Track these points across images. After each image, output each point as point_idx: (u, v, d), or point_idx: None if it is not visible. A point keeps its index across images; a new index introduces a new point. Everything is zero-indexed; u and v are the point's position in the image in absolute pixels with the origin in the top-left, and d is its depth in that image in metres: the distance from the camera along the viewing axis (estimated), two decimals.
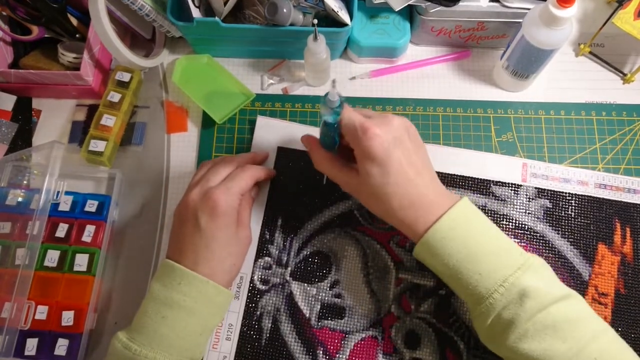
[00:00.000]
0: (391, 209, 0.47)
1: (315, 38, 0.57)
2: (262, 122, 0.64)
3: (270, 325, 0.56)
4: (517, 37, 0.58)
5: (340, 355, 0.55)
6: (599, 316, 0.46)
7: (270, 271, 0.58)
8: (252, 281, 0.57)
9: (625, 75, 0.67)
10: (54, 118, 0.66)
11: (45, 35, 0.65)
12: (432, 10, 0.62)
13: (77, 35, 0.65)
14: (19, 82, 0.63)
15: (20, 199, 0.59)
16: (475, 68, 0.68)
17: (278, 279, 0.57)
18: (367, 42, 0.64)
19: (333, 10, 0.59)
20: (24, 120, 0.65)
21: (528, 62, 0.59)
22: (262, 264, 0.58)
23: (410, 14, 0.66)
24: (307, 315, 0.56)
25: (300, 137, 0.55)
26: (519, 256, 0.46)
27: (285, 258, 0.58)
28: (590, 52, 0.68)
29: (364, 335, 0.55)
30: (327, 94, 0.45)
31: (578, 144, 0.63)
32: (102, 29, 0.58)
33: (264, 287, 0.57)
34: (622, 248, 0.58)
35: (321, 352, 0.55)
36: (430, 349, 0.55)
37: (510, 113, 0.65)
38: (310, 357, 0.55)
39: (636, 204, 0.60)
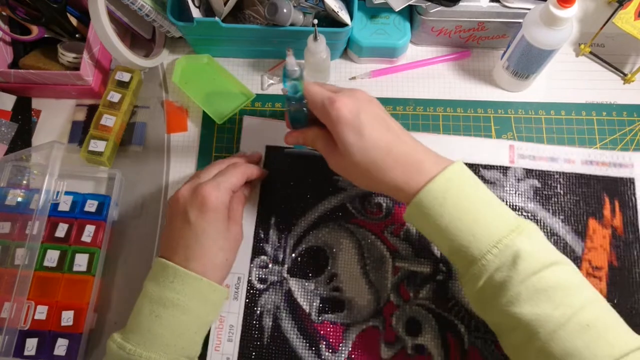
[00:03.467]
0: (379, 172, 0.46)
1: (316, 38, 0.57)
2: (248, 122, 0.64)
3: (271, 323, 0.56)
4: (517, 37, 0.58)
5: (343, 348, 0.55)
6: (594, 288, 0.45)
7: (267, 269, 0.58)
8: (249, 281, 0.57)
9: (625, 75, 0.67)
10: (54, 118, 0.66)
11: (45, 35, 0.65)
12: (432, 11, 0.62)
13: (77, 35, 0.65)
14: (18, 82, 0.63)
15: (20, 199, 0.59)
16: (475, 68, 0.68)
17: (275, 277, 0.57)
18: (367, 42, 0.64)
19: (333, 10, 0.59)
20: (24, 120, 0.65)
21: (528, 62, 0.59)
22: (258, 262, 0.58)
23: (410, 14, 0.66)
24: (307, 310, 0.56)
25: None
26: (513, 219, 0.45)
27: (281, 255, 0.58)
28: (591, 52, 0.68)
29: (365, 326, 0.56)
30: (286, 65, 0.45)
31: (578, 144, 0.63)
32: (102, 29, 0.58)
33: (262, 285, 0.57)
34: (612, 221, 0.59)
35: (324, 346, 0.55)
36: (431, 334, 0.55)
37: (510, 113, 0.65)
38: (313, 351, 0.55)
39: (622, 178, 0.60)
